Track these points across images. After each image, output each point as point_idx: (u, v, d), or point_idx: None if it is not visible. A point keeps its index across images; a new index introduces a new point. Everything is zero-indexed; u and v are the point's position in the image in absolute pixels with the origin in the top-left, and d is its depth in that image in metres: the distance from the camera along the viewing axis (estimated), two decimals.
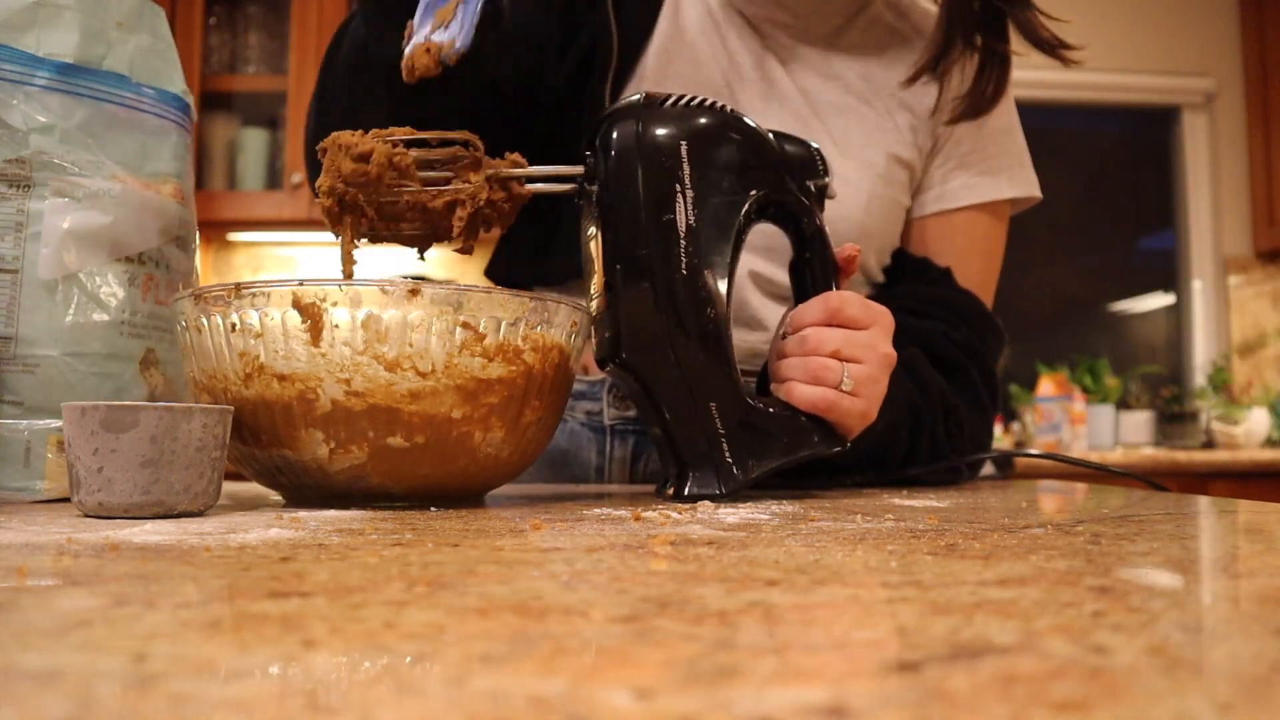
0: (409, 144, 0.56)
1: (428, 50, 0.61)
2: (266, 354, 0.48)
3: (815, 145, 0.63)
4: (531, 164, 0.59)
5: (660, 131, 0.57)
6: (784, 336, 0.62)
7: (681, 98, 0.58)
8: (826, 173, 0.62)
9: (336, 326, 0.48)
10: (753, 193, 0.59)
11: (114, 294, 0.59)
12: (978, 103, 0.81)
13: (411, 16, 0.64)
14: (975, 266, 0.85)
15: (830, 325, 0.59)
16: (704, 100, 0.59)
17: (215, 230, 2.51)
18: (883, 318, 0.61)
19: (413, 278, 2.05)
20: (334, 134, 0.55)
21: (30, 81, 0.57)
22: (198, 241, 0.68)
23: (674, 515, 0.46)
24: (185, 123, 0.66)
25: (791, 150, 0.61)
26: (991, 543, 0.36)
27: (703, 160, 0.57)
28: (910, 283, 0.84)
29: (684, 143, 0.57)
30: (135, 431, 0.43)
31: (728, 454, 0.57)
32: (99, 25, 0.60)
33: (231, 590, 0.25)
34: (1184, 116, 3.07)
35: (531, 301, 0.51)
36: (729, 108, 0.60)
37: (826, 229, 0.62)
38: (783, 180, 0.60)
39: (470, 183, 0.56)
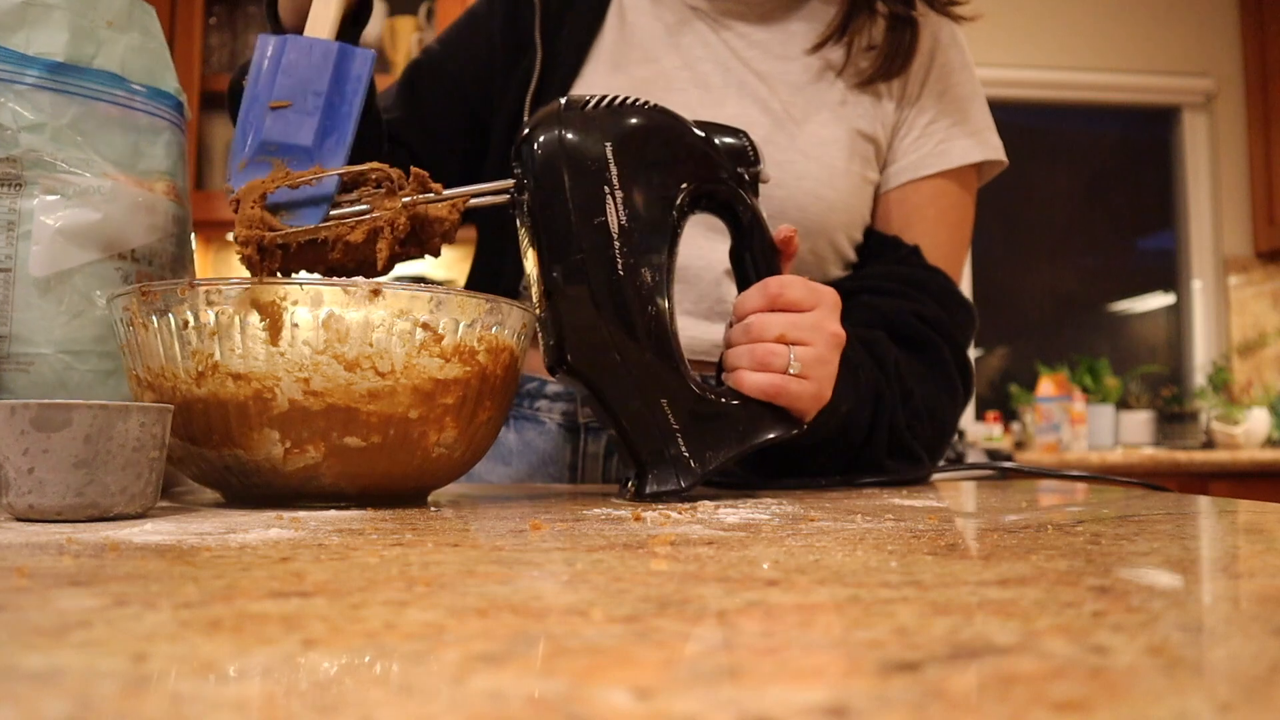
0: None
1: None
2: (222, 352, 0.48)
3: (745, 133, 0.62)
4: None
5: (583, 135, 0.56)
6: (731, 325, 0.62)
7: (604, 98, 0.58)
8: (758, 160, 0.62)
9: (296, 326, 0.47)
10: (683, 185, 0.59)
11: (107, 291, 0.59)
12: (889, 64, 0.84)
13: None
14: (944, 238, 0.85)
15: (773, 310, 0.59)
16: (626, 99, 0.58)
17: (215, 230, 2.51)
18: (828, 297, 0.61)
19: (411, 278, 2.05)
20: (248, 184, 0.54)
21: (20, 80, 0.58)
22: (193, 239, 0.68)
23: (674, 515, 0.46)
24: (179, 121, 0.66)
25: (721, 140, 0.61)
26: (991, 543, 0.36)
27: (630, 159, 0.57)
28: (879, 262, 0.85)
29: (609, 144, 0.56)
30: (68, 431, 0.41)
31: (684, 448, 0.57)
32: (89, 24, 0.60)
33: (231, 590, 0.25)
34: (1184, 116, 3.07)
35: (487, 303, 0.51)
36: (651, 103, 0.59)
37: (764, 214, 0.62)
38: (714, 170, 0.60)
39: (387, 209, 0.55)
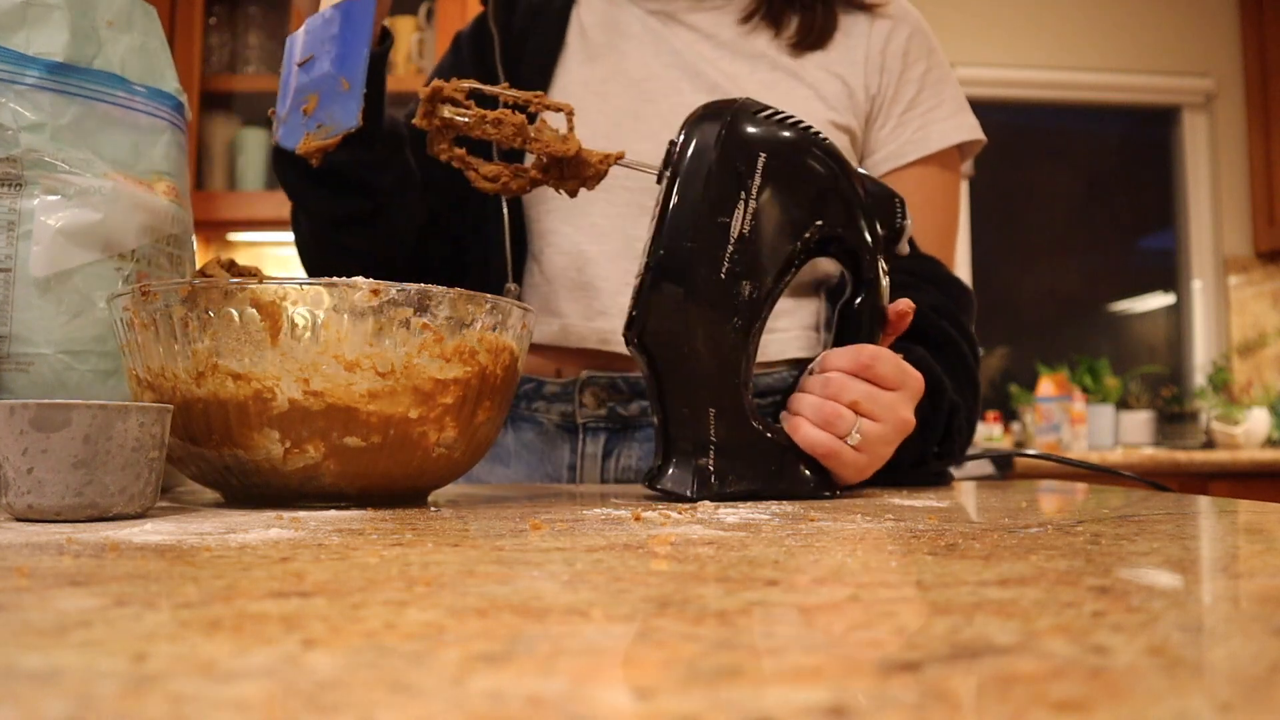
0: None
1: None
2: (221, 352, 0.48)
3: (899, 197, 0.62)
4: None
5: (743, 135, 0.57)
6: (811, 372, 0.61)
7: (777, 112, 0.59)
8: (902, 221, 0.62)
9: (296, 325, 0.47)
10: (818, 223, 0.59)
11: (107, 291, 0.59)
12: (810, 36, 0.85)
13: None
14: (932, 223, 0.85)
15: (858, 376, 0.59)
16: (800, 122, 0.59)
17: (215, 230, 2.50)
18: (913, 383, 0.60)
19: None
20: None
21: (20, 80, 0.58)
22: (194, 239, 0.68)
23: (674, 515, 0.46)
24: (179, 121, 0.66)
25: (869, 190, 0.61)
26: (991, 543, 0.36)
27: (777, 175, 0.57)
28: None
29: (763, 154, 0.57)
30: (67, 431, 0.41)
31: (711, 463, 0.57)
32: (89, 24, 0.60)
33: (231, 590, 0.25)
34: (1184, 116, 3.07)
35: (487, 303, 0.51)
36: (824, 136, 0.60)
37: (885, 280, 0.62)
38: (853, 217, 0.60)
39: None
